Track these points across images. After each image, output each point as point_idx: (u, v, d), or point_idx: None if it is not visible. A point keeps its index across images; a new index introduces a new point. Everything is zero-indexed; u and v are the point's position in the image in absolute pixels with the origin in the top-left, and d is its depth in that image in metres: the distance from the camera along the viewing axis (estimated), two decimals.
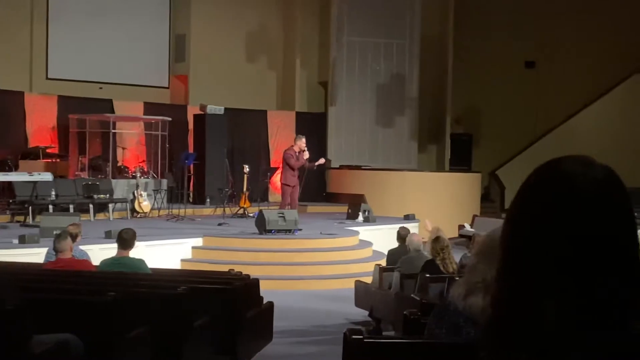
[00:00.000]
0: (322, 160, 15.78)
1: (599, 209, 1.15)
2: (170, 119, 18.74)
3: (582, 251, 1.13)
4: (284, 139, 20.47)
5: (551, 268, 1.14)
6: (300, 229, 13.67)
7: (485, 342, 1.21)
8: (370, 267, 11.19)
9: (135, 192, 16.53)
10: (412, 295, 6.94)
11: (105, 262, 7.74)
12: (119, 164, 18.30)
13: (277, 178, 17.92)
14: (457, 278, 6.59)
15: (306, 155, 14.79)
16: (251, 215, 16.03)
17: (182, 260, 12.69)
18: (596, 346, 1.11)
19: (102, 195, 15.84)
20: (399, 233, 10.50)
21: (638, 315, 1.14)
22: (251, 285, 7.55)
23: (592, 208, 1.15)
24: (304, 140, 15.00)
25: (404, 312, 3.67)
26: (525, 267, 1.16)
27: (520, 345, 1.14)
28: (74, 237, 8.30)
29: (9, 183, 15.27)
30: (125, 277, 7.03)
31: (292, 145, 15.08)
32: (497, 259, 1.25)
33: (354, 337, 2.73)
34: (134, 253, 7.88)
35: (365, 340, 2.73)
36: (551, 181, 1.19)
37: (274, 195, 19.55)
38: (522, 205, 1.20)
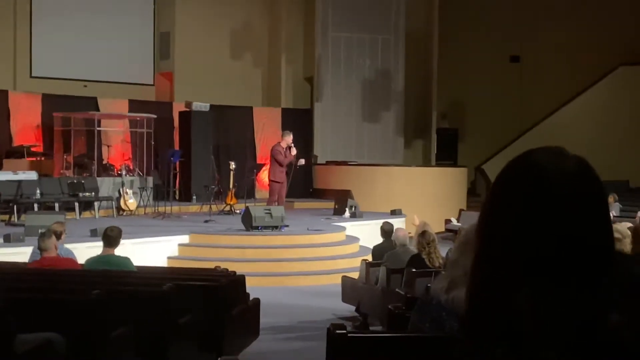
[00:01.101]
0: (302, 161, 15.69)
1: (571, 201, 1.14)
2: (155, 116, 18.67)
3: (555, 243, 1.12)
4: (270, 136, 20.44)
5: (525, 259, 1.13)
6: (286, 225, 13.66)
7: (462, 333, 1.21)
8: (357, 262, 11.18)
9: (121, 190, 16.47)
10: (397, 290, 6.95)
11: (91, 261, 7.70)
12: (104, 162, 18.21)
13: (264, 174, 17.89)
14: (444, 272, 6.60)
15: (294, 151, 14.78)
16: (238, 212, 16.00)
17: (169, 258, 12.65)
18: (571, 338, 1.11)
19: (87, 194, 15.75)
20: (382, 228, 10.52)
21: (613, 308, 1.14)
22: (237, 282, 7.53)
23: (564, 200, 1.14)
24: (291, 136, 14.98)
25: (389, 307, 3.67)
26: (500, 257, 1.15)
27: (496, 336, 1.13)
28: (58, 235, 8.24)
29: None
30: (111, 275, 7.00)
31: (280, 142, 15.04)
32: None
33: (337, 332, 2.72)
34: (120, 251, 7.84)
35: (349, 335, 2.73)
36: (523, 173, 1.18)
37: (261, 192, 19.51)
38: (496, 197, 1.20)
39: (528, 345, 1.11)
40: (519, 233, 1.14)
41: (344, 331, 2.75)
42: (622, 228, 5.97)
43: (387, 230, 10.34)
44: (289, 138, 14.90)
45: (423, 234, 8.37)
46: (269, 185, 15.28)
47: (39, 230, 10.78)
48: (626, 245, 5.70)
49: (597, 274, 1.13)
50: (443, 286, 2.74)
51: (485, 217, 1.20)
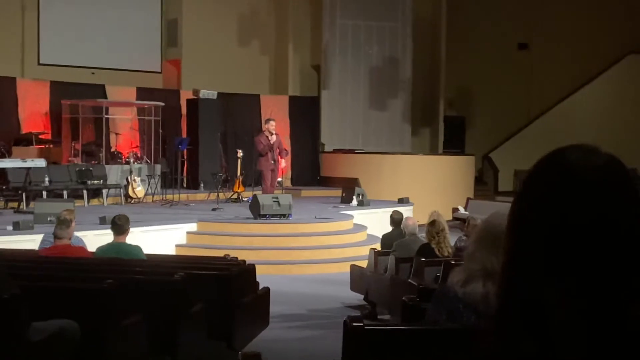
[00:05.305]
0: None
1: (601, 194, 1.15)
2: (163, 104, 18.67)
3: (584, 237, 1.13)
4: (277, 123, 20.37)
5: (554, 255, 1.14)
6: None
7: (491, 331, 1.22)
8: (364, 250, 11.21)
9: (129, 177, 16.50)
10: (408, 280, 6.96)
11: (102, 249, 7.73)
12: (112, 150, 18.24)
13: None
14: (453, 262, 6.59)
15: (273, 138, 15.11)
16: (245, 199, 16.03)
17: (177, 246, 12.68)
18: (600, 333, 1.12)
19: (95, 181, 15.80)
20: (392, 217, 10.52)
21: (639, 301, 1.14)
22: (248, 271, 7.55)
23: (594, 193, 1.15)
24: (271, 122, 15.37)
25: (403, 298, 3.67)
26: (529, 254, 1.16)
27: (526, 333, 1.14)
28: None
29: (2, 169, 15.20)
30: (122, 264, 7.02)
31: (263, 131, 15.37)
32: (496, 245, 1.25)
33: (354, 324, 2.74)
34: (129, 239, 7.86)
35: (365, 327, 2.74)
36: (552, 168, 1.20)
37: None
38: (525, 194, 1.21)
39: (557, 341, 1.12)
40: (548, 227, 1.15)
41: (361, 324, 2.76)
42: None
43: (396, 219, 10.34)
44: (269, 125, 15.40)
45: (432, 223, 8.37)
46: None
47: (48, 218, 10.87)
48: None
49: (627, 266, 1.13)
50: (460, 279, 2.74)
51: (515, 213, 1.21)
